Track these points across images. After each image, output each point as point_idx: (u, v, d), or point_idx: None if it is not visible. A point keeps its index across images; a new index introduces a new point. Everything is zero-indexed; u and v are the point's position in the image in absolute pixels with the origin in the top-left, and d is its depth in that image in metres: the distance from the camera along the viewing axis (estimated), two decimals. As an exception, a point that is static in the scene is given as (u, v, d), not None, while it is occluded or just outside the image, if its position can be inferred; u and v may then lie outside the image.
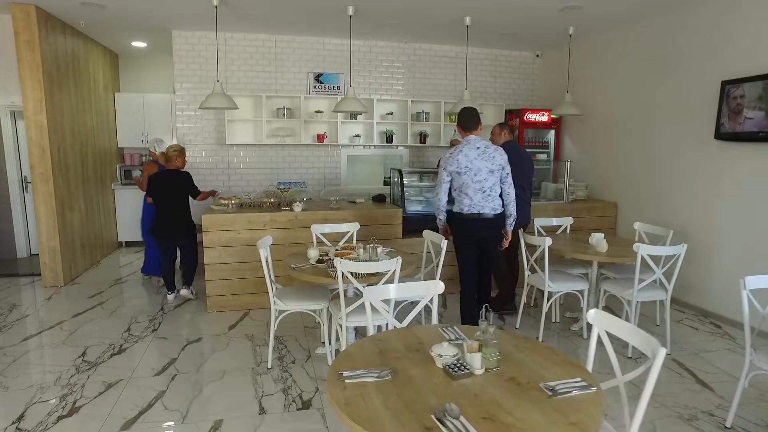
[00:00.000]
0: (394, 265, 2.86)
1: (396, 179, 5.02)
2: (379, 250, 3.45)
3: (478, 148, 3.41)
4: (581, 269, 4.18)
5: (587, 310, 3.85)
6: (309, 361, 3.37)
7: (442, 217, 3.64)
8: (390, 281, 2.90)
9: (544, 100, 6.67)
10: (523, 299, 4.06)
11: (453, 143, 5.68)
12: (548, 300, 3.74)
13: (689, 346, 3.75)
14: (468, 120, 3.43)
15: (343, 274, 2.79)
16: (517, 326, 4.04)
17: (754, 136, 3.83)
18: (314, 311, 3.28)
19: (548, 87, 6.66)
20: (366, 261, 3.10)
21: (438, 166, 5.82)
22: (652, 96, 4.86)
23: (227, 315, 4.23)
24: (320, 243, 3.93)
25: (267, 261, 3.17)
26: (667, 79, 4.69)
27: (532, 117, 6.26)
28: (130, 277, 5.38)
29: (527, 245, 3.91)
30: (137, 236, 6.69)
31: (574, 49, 5.76)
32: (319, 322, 3.58)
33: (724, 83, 4.05)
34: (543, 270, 3.70)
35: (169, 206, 4.45)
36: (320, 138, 5.91)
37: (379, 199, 5.15)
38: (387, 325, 2.56)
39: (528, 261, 3.96)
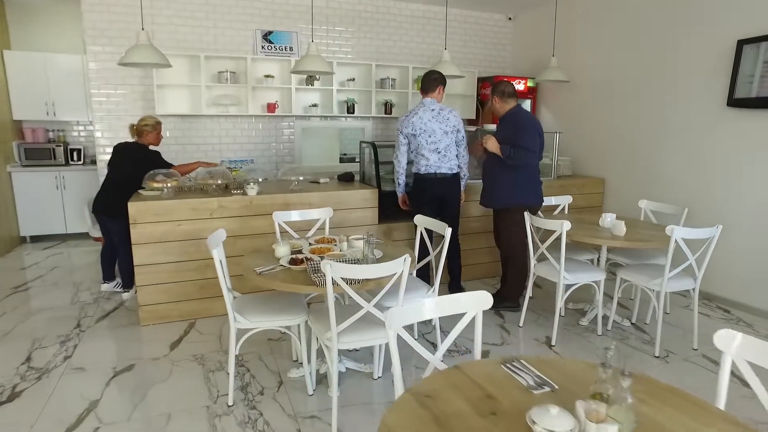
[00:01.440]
0: (401, 266, 2.14)
1: (368, 154, 4.27)
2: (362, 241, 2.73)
3: (432, 110, 3.55)
4: (587, 255, 3.68)
5: (602, 302, 3.34)
6: (281, 389, 2.61)
7: (401, 181, 3.73)
8: (386, 286, 2.20)
9: (517, 67, 6.12)
10: (528, 293, 3.50)
11: None
12: (564, 294, 3.18)
13: (710, 337, 3.34)
14: (426, 82, 3.59)
15: (334, 281, 2.05)
16: (521, 324, 3.48)
17: (775, 101, 3.44)
18: (288, 328, 2.51)
19: (522, 52, 6.10)
20: (358, 260, 2.35)
21: None
22: (650, 59, 4.39)
23: (167, 329, 3.35)
24: (284, 234, 3.13)
25: (221, 264, 2.35)
26: (667, 39, 4.23)
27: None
28: (36, 282, 4.29)
29: (536, 229, 3.32)
30: (54, 229, 5.51)
31: (557, 8, 5.20)
32: (284, 333, 2.82)
33: (741, 42, 3.62)
34: (556, 258, 3.14)
35: (118, 180, 3.72)
36: (271, 108, 5.01)
37: (346, 178, 4.38)
38: (381, 348, 1.86)
39: (534, 248, 3.38)
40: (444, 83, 3.64)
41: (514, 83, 3.49)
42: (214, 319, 3.51)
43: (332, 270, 2.01)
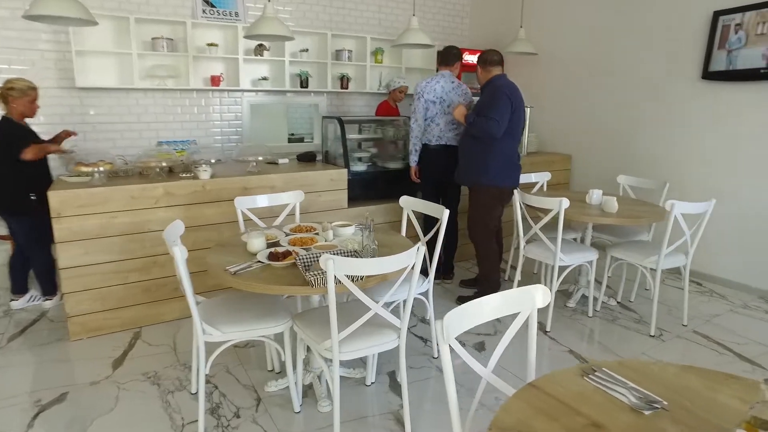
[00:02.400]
0: (413, 257, 1.79)
1: (332, 131, 3.84)
2: (350, 230, 2.35)
3: (452, 82, 3.55)
4: (569, 234, 3.50)
5: (593, 283, 3.18)
6: (260, 408, 2.19)
7: (417, 148, 3.57)
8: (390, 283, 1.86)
9: (476, 41, 5.86)
10: (518, 276, 3.27)
11: (395, 93, 4.65)
12: (559, 276, 2.97)
13: (693, 312, 3.29)
14: (447, 55, 3.61)
15: (337, 279, 1.66)
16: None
17: (753, 73, 3.40)
18: (269, 337, 2.08)
19: (482, 24, 5.85)
20: (356, 253, 1.97)
21: (379, 112, 4.82)
22: (622, 31, 4.27)
23: (105, 343, 2.78)
24: (247, 222, 2.67)
25: (184, 266, 1.87)
26: (641, 10, 4.11)
27: (470, 58, 5.41)
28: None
29: (529, 208, 3.08)
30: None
31: (519, -22, 4.97)
32: (257, 340, 2.40)
33: (717, 13, 3.55)
34: (549, 239, 2.92)
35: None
36: (215, 81, 4.41)
37: (307, 158, 3.93)
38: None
39: (525, 229, 3.15)
40: (461, 60, 3.68)
41: (493, 53, 3.20)
42: (164, 326, 2.98)
43: (335, 266, 1.61)
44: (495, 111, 3.02)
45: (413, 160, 3.58)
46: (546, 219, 2.88)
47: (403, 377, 1.98)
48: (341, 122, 3.61)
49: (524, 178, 3.59)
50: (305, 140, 5.38)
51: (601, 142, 4.52)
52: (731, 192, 3.64)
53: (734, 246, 3.68)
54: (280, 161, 3.74)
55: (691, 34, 3.75)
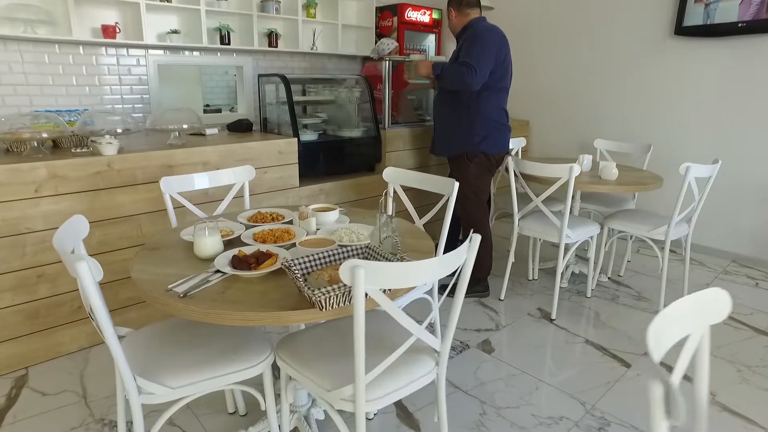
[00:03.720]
0: (464, 253, 1.21)
1: (272, 94, 3.11)
2: (333, 215, 1.74)
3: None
4: (554, 205, 3.13)
5: (593, 260, 2.83)
6: (230, 478, 1.52)
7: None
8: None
9: (417, -2, 5.27)
10: (511, 258, 2.82)
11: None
12: (565, 255, 2.57)
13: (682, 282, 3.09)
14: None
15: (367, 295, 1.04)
16: (502, 297, 2.82)
17: (731, 28, 3.19)
18: (242, 383, 1.40)
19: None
20: (368, 249, 1.34)
21: (373, 67, 4.12)
22: (581, -18, 3.92)
23: (-27, 396, 1.91)
24: (179, 211, 1.94)
25: (96, 292, 1.14)
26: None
27: (413, 16, 4.85)
28: None
29: (525, 177, 2.62)
30: None
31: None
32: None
33: (694, -43, 3.29)
34: (557, 216, 2.50)
35: None
36: (108, 32, 3.41)
37: (240, 127, 3.17)
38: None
39: (521, 203, 2.70)
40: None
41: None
42: (64, 362, 2.15)
43: (369, 276, 0.99)
44: (471, 57, 2.48)
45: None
46: (552, 189, 2.44)
47: (442, 418, 1.42)
48: (286, 81, 2.89)
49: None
50: (224, 112, 4.52)
51: (564, 106, 4.20)
52: (708, 156, 3.47)
53: (706, 210, 3.54)
54: (208, 132, 2.95)
55: (664, -16, 3.48)
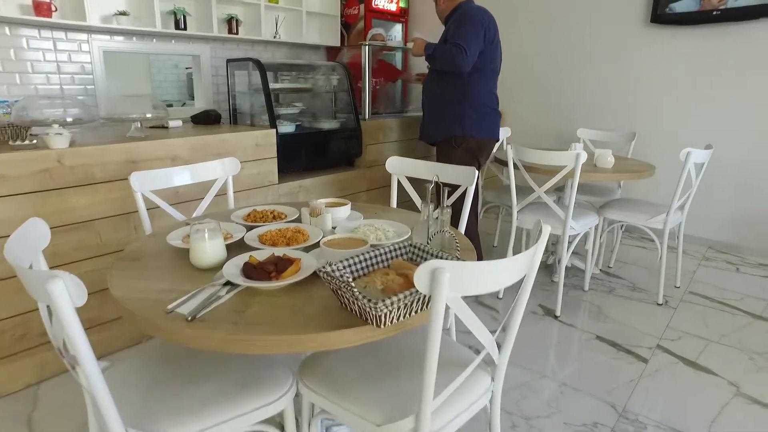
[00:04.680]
0: (532, 255, 1.01)
1: (244, 81, 2.81)
2: (345, 210, 1.51)
3: None
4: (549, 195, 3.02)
5: (591, 252, 2.74)
6: None
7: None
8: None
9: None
10: (509, 254, 2.67)
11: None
12: (568, 248, 2.45)
13: (673, 271, 3.07)
14: None
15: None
16: (501, 295, 2.67)
17: (706, 16, 3.21)
18: (262, 422, 1.14)
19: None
20: (416, 248, 1.12)
21: (377, 73, 3.88)
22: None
23: None
24: (153, 213, 1.64)
25: (76, 324, 0.85)
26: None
27: (380, 3, 4.65)
28: None
29: (526, 168, 2.47)
30: None
31: None
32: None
33: (670, -56, 3.29)
34: (562, 208, 2.38)
35: None
36: (41, 9, 2.97)
37: (207, 119, 2.84)
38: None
39: (520, 194, 2.56)
40: None
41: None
42: (7, 405, 1.77)
43: (455, 280, 0.78)
44: (461, 37, 2.37)
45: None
46: (557, 178, 2.31)
47: (496, 441, 1.23)
48: (261, 65, 2.60)
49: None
50: (175, 107, 4.14)
51: (534, 95, 4.13)
52: (681, 144, 3.49)
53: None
54: (171, 124, 2.61)
55: (640, -28, 3.47)
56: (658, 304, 2.61)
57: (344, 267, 1.00)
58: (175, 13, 3.58)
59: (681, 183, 2.42)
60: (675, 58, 3.43)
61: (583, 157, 2.23)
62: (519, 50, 4.14)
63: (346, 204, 1.50)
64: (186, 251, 1.21)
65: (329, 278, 0.92)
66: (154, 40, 3.64)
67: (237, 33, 4.02)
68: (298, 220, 1.50)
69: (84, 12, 3.06)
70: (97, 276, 1.93)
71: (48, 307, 1.01)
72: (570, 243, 2.44)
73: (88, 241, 1.90)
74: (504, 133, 3.30)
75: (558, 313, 2.46)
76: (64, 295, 0.78)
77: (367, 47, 3.01)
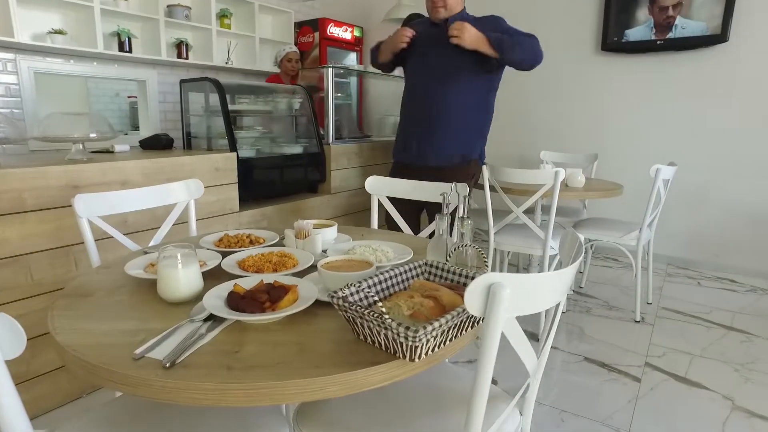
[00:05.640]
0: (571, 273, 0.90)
1: (199, 103, 2.61)
2: (332, 231, 1.36)
3: None
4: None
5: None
6: None
7: None
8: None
9: (343, 13, 5.04)
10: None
11: (284, 63, 3.64)
12: (549, 268, 2.38)
13: (643, 288, 3.10)
14: None
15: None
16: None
17: (650, 45, 3.37)
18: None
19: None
20: (434, 269, 0.97)
21: (275, 79, 3.80)
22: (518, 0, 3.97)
23: None
24: (103, 243, 1.41)
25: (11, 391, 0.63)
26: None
27: (335, 32, 4.60)
28: None
29: (505, 189, 2.40)
30: None
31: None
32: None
33: (615, -23, 3.46)
34: (542, 225, 2.32)
35: None
36: (-36, 28, 2.67)
37: (155, 144, 2.59)
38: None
39: (496, 216, 2.49)
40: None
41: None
42: None
43: (514, 297, 0.64)
44: (518, 30, 2.18)
45: None
46: (536, 196, 2.25)
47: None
48: (219, 85, 2.42)
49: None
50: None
51: (498, 120, 4.16)
52: (641, 164, 3.60)
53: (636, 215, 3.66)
54: (118, 148, 2.35)
55: (589, 4, 3.62)
56: (636, 321, 2.58)
57: (358, 291, 0.84)
58: (119, 35, 3.35)
59: (652, 199, 2.44)
60: (628, 83, 3.56)
61: (562, 174, 2.19)
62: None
63: (332, 225, 1.33)
64: (152, 283, 1.00)
65: (346, 305, 0.75)
66: (95, 62, 3.37)
67: (187, 57, 3.82)
68: (279, 244, 1.32)
69: (11, 28, 2.77)
70: (26, 321, 1.63)
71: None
72: (550, 264, 2.38)
73: (15, 279, 1.60)
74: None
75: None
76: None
77: (330, 70, 2.91)
